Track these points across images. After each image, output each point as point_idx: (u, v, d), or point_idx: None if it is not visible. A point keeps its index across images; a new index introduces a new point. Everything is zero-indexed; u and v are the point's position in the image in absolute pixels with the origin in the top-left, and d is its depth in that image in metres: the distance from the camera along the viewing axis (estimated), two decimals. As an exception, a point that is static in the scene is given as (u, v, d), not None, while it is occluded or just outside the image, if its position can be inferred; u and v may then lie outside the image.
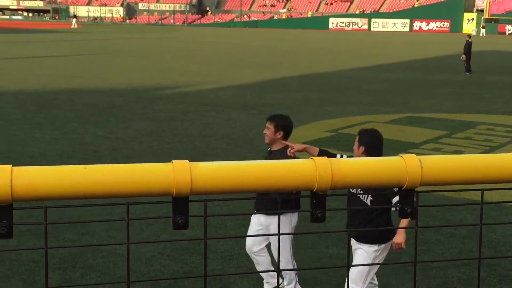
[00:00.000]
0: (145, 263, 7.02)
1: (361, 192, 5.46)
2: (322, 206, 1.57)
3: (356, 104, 19.53)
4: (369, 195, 5.45)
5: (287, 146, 5.87)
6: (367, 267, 5.52)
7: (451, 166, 1.64)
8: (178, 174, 1.41)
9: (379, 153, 5.50)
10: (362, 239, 5.56)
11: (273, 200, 6.10)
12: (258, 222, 6.25)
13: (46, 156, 11.80)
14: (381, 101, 20.33)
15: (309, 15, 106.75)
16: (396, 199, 5.30)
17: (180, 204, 1.47)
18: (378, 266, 5.76)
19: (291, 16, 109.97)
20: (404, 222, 5.42)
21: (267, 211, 6.12)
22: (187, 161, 1.44)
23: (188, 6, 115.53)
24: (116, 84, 23.36)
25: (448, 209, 9.00)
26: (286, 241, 6.08)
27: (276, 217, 6.03)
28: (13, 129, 14.25)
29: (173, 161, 1.44)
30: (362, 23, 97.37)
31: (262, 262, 6.28)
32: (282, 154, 5.89)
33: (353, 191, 5.46)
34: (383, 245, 5.54)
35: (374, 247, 5.50)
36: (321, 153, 5.68)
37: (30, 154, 11.90)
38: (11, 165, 1.41)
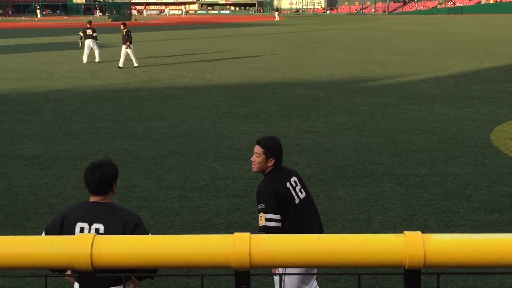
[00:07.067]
0: None
1: None
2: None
3: None
4: None
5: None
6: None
7: None
8: (411, 247, 1.41)
9: (281, 161, 5.22)
10: None
11: None
12: None
13: (251, 150, 12.32)
14: None
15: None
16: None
17: (413, 277, 1.45)
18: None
19: (500, 0, 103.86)
20: None
21: None
22: (419, 232, 1.43)
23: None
24: (318, 76, 23.72)
25: None
26: None
27: None
28: (222, 122, 15.08)
29: (405, 232, 1.44)
30: None
31: None
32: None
33: None
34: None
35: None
36: None
37: (237, 147, 12.53)
38: (249, 233, 1.48)
